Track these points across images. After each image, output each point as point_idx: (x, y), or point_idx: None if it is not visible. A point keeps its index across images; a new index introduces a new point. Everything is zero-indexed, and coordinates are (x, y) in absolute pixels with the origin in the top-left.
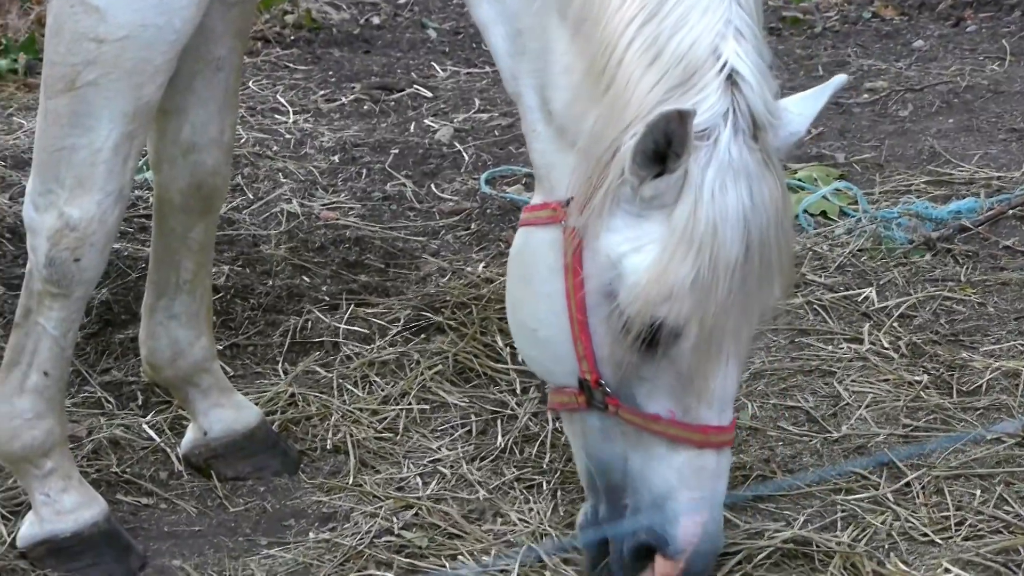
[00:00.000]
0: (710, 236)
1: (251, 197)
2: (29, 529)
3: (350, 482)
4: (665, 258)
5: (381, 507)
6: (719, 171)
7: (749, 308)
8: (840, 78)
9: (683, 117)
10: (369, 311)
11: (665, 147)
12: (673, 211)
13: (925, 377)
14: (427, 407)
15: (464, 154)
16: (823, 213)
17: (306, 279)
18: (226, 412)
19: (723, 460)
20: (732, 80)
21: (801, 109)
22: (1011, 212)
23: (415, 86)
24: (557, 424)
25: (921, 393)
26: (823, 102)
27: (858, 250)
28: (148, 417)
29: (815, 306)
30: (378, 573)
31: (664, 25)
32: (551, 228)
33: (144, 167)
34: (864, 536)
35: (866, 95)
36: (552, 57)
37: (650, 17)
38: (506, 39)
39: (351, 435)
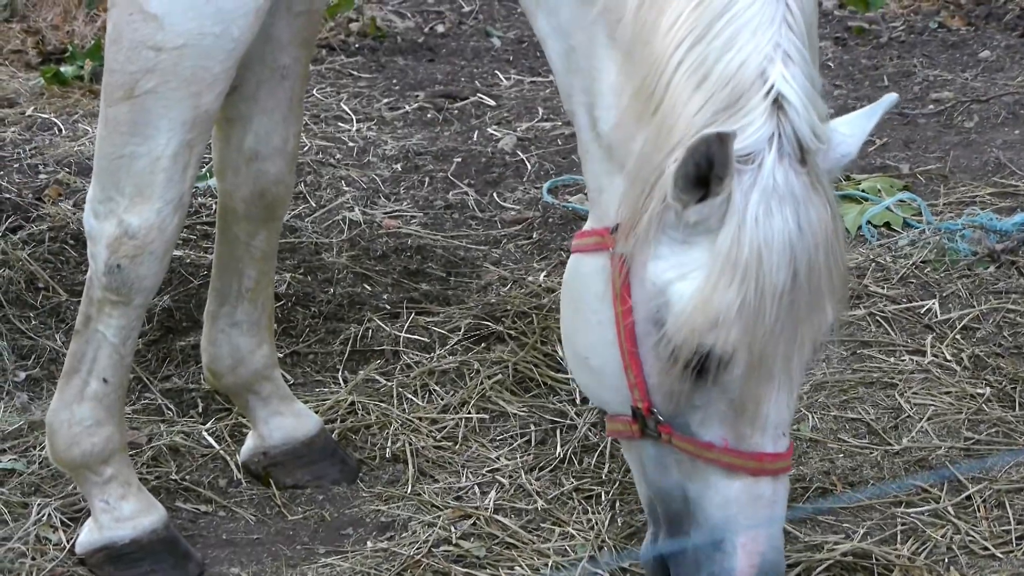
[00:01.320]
0: (755, 262)
1: (314, 205)
2: (88, 535)
3: (409, 491)
4: (710, 285)
5: (439, 516)
6: (763, 195)
7: (799, 333)
8: (891, 97)
9: (723, 140)
10: (430, 320)
11: (707, 170)
12: (717, 237)
13: (987, 390)
14: (486, 416)
15: (527, 163)
16: (887, 224)
17: (367, 287)
18: (286, 420)
19: (780, 487)
20: (778, 104)
21: (852, 130)
22: None
23: (479, 94)
24: None
25: (983, 406)
26: (874, 122)
27: (921, 262)
28: (208, 424)
29: (877, 318)
30: None
31: (712, 47)
32: (599, 255)
33: (208, 174)
34: (924, 549)
35: (931, 106)
36: (601, 76)
37: (699, 39)
38: (560, 56)
39: (410, 444)
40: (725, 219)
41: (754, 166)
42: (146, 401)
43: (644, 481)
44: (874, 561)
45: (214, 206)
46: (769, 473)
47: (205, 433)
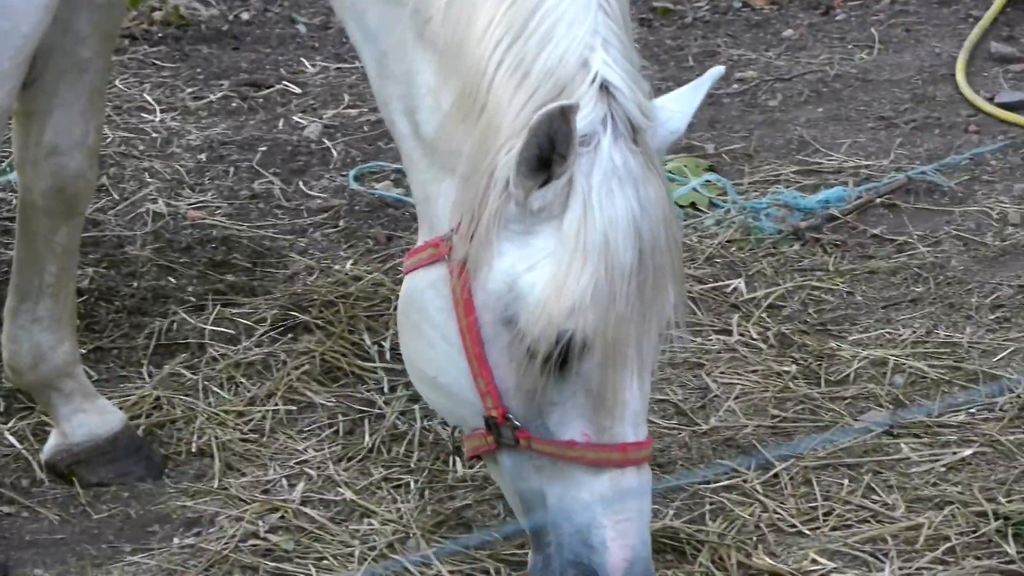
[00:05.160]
0: (603, 244)
1: (116, 198)
2: None
3: (215, 486)
4: (562, 271)
5: (247, 511)
6: (604, 177)
7: (648, 316)
8: (716, 70)
9: (566, 113)
10: (235, 311)
11: (549, 151)
12: (562, 222)
13: (793, 367)
14: (294, 408)
15: (333, 151)
16: (692, 204)
17: (172, 280)
18: (89, 417)
19: (644, 477)
20: (605, 88)
21: (679, 106)
22: (879, 201)
23: (284, 82)
24: (425, 422)
25: (789, 383)
26: (701, 96)
27: (727, 241)
28: (10, 424)
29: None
30: None
31: (530, 43)
32: (435, 267)
33: (8, 168)
34: (732, 528)
35: (736, 85)
36: (418, 80)
37: (516, 37)
38: (373, 62)
39: (216, 438)
40: (568, 203)
41: (591, 148)
42: None
43: (507, 495)
44: (683, 540)
45: (15, 201)
46: (633, 463)
47: (7, 432)
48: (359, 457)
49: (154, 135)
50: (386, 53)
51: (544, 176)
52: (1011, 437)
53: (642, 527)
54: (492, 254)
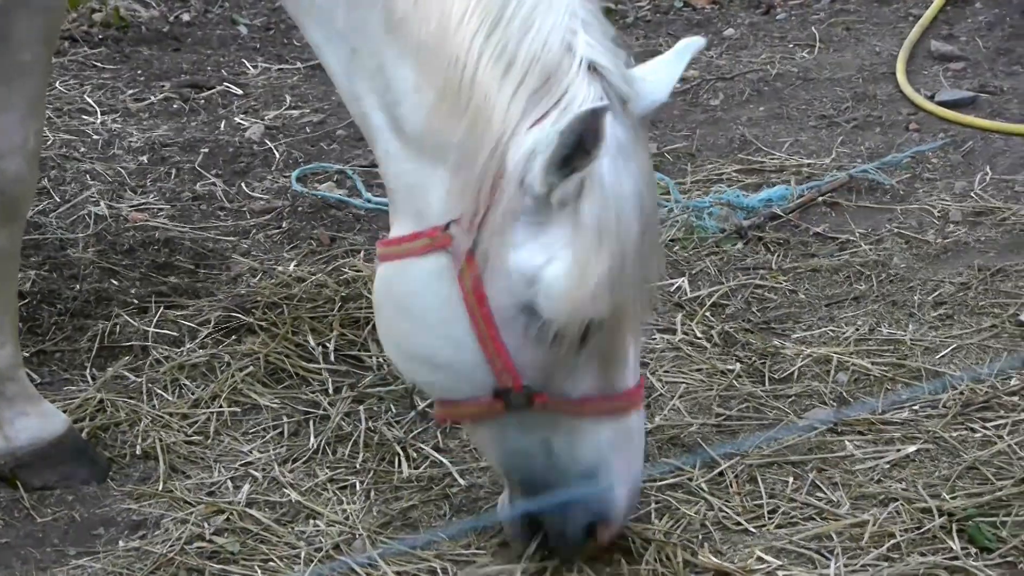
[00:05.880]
0: (616, 223)
1: (58, 200)
2: None
3: (160, 488)
4: (583, 260)
5: (192, 513)
6: (612, 158)
7: (647, 277)
8: (697, 41)
9: (597, 115)
10: (179, 313)
11: (574, 149)
12: (579, 209)
13: (738, 366)
14: (238, 410)
15: (275, 152)
16: None
17: (114, 282)
18: (32, 421)
19: (642, 415)
20: (593, 70)
21: (660, 76)
22: (821, 199)
23: (225, 83)
24: (370, 423)
25: (734, 382)
26: (683, 65)
27: (670, 240)
28: None
29: None
30: None
31: (510, 31)
32: (432, 256)
33: None
34: (678, 526)
35: (678, 84)
36: (396, 73)
37: (495, 26)
38: (342, 60)
39: (161, 440)
40: (584, 191)
41: None
42: None
43: (501, 449)
44: (629, 539)
45: None
46: (636, 407)
47: None
48: (304, 459)
49: (95, 137)
50: (356, 50)
51: (567, 171)
52: (954, 433)
53: (640, 458)
54: (507, 247)
